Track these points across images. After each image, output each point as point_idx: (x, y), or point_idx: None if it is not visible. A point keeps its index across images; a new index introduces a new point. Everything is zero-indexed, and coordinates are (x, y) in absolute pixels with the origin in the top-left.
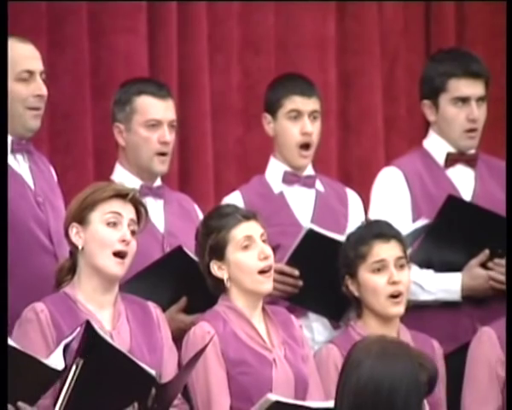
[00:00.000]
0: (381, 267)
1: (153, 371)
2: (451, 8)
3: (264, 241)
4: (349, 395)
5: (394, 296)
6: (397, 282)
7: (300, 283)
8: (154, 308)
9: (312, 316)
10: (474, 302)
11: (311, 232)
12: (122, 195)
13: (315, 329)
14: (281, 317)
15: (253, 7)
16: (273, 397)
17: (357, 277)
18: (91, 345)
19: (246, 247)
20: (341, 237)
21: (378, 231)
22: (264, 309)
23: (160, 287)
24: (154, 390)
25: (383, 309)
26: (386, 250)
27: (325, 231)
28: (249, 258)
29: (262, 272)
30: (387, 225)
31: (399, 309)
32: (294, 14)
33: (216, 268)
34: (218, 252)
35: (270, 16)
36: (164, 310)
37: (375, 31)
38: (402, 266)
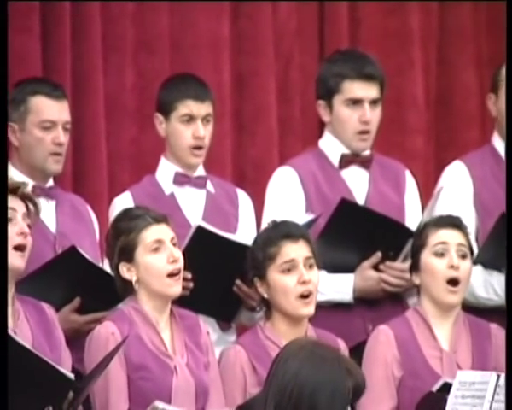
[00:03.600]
0: (290, 267)
1: (71, 375)
2: (345, 9)
3: (174, 245)
4: (274, 389)
5: (304, 296)
6: (307, 281)
7: (191, 285)
8: (48, 309)
9: (202, 318)
10: (365, 303)
11: (200, 230)
12: (12, 190)
13: None
14: (188, 322)
15: (148, 7)
16: (160, 405)
17: (267, 278)
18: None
19: (155, 250)
20: (231, 235)
21: (286, 231)
22: (172, 313)
23: (53, 287)
24: (71, 394)
25: (294, 310)
26: (295, 250)
27: (214, 229)
28: (158, 261)
29: (171, 275)
30: (295, 225)
31: (310, 309)
32: (189, 14)
33: (125, 270)
34: (128, 254)
35: (164, 16)
36: (57, 310)
37: (269, 31)
38: (311, 266)
